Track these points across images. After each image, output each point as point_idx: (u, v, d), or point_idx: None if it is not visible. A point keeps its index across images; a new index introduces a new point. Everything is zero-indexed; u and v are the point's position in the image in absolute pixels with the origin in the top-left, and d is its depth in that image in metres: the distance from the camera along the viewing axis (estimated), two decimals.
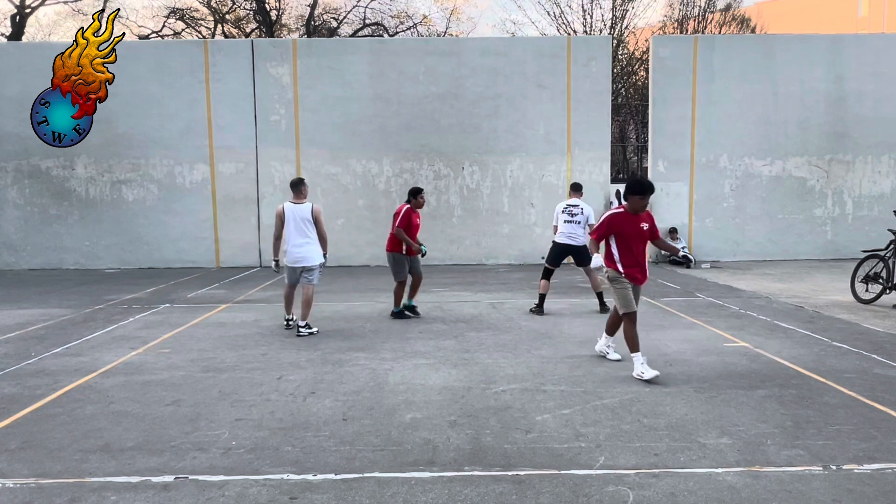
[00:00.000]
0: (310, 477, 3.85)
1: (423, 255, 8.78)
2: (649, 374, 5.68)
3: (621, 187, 17.49)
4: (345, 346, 7.15)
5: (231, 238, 15.44)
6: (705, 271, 13.83)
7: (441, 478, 3.81)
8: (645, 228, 5.97)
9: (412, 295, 9.04)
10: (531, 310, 9.17)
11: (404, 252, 8.68)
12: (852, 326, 7.90)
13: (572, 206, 9.21)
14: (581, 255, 9.15)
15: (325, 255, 7.97)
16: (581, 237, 9.11)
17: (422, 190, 8.88)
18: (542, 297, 9.12)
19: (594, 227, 6.12)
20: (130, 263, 15.41)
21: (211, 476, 3.87)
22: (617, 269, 6.02)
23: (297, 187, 7.91)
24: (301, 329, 7.76)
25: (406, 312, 8.90)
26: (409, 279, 8.96)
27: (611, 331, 6.43)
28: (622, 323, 5.97)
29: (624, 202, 6.10)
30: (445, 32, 36.37)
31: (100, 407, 5.17)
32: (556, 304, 9.72)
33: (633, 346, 5.84)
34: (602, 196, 15.53)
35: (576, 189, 9.48)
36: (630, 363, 6.02)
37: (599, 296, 9.22)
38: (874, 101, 15.49)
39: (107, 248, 15.45)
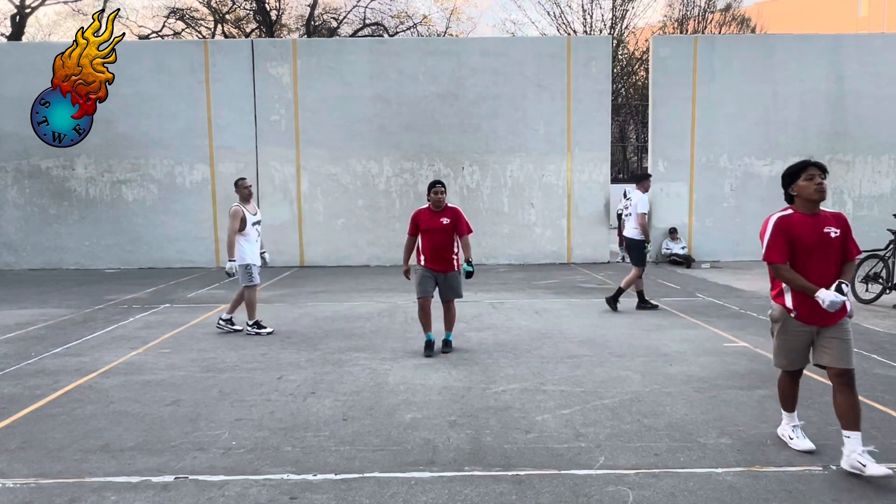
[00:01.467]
0: (310, 477, 3.85)
1: (467, 276, 6.68)
2: (800, 444, 4.09)
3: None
4: (345, 346, 7.15)
5: None
6: (705, 271, 13.82)
7: (441, 478, 3.81)
8: (833, 236, 3.92)
9: (446, 325, 6.98)
10: (647, 307, 9.09)
11: (423, 263, 6.78)
12: (852, 326, 7.89)
13: (627, 198, 9.27)
14: (631, 249, 9.18)
15: (230, 258, 7.58)
16: (628, 229, 9.19)
17: (436, 183, 6.75)
18: (640, 294, 9.25)
19: (764, 245, 4.11)
20: (130, 263, 15.41)
21: (211, 476, 3.87)
22: (783, 305, 4.01)
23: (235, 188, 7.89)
24: (220, 321, 7.95)
25: (430, 346, 6.70)
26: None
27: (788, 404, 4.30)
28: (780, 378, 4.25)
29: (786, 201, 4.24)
30: (445, 32, 36.38)
31: (100, 407, 5.17)
32: (556, 304, 9.72)
33: (786, 403, 4.24)
34: (602, 196, 15.51)
35: (636, 179, 9.17)
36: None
37: (618, 291, 9.13)
38: (874, 101, 15.48)
39: (107, 248, 15.45)
